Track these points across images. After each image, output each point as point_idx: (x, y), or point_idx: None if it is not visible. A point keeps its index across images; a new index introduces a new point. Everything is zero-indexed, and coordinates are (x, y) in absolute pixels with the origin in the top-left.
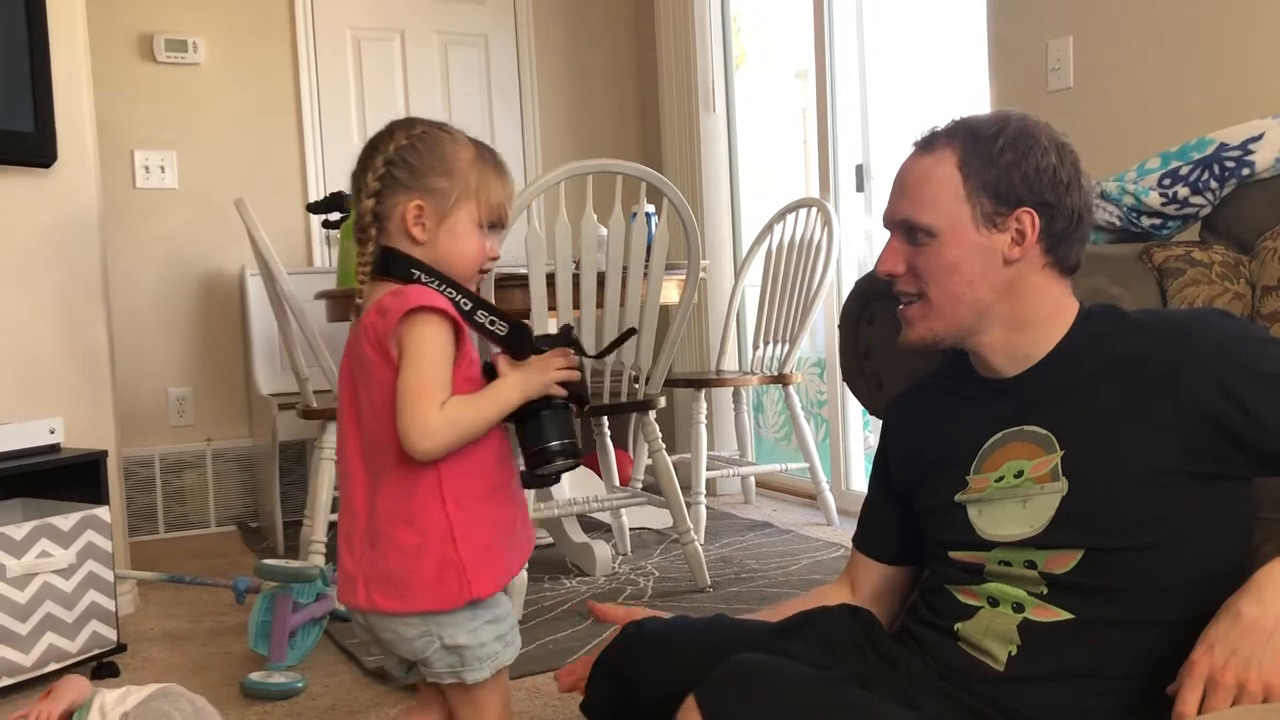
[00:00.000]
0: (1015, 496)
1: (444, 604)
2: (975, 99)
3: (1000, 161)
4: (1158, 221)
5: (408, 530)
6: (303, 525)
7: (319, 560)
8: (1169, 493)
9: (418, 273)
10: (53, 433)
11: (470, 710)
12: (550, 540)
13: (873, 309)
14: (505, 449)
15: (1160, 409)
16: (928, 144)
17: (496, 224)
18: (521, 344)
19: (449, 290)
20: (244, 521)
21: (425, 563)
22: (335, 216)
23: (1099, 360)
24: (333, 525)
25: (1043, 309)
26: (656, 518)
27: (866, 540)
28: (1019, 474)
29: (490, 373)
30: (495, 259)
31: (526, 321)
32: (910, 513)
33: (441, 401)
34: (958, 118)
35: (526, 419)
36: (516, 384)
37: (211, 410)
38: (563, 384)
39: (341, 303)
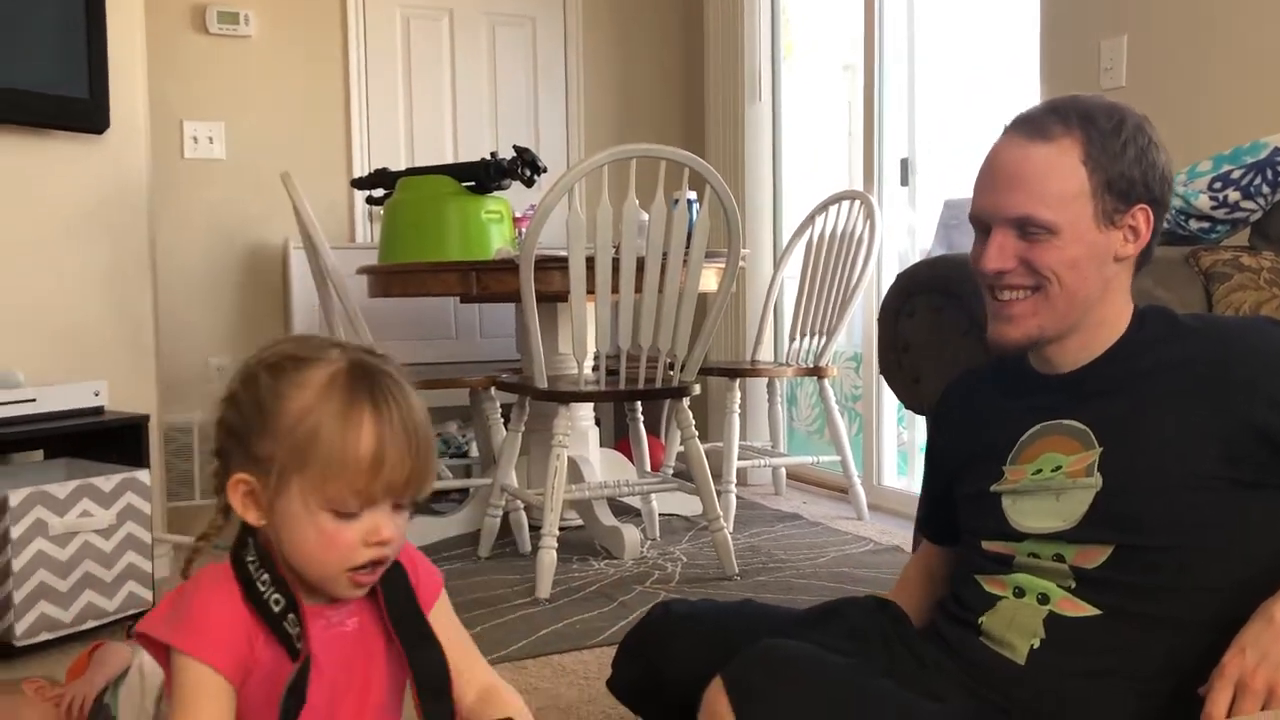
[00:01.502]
0: (1050, 489)
1: None
2: (1025, 96)
3: (1125, 157)
4: (1206, 225)
5: None
6: None
7: None
8: (1206, 497)
9: (250, 558)
10: (97, 395)
11: None
12: (580, 522)
13: (913, 303)
14: None
15: (1204, 414)
16: (1039, 131)
17: (354, 507)
18: (294, 692)
19: (263, 578)
20: None
21: None
22: (379, 193)
23: (1148, 362)
24: None
25: (1117, 307)
26: (686, 504)
27: (929, 526)
28: (1056, 468)
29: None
30: (384, 544)
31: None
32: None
33: None
34: (1060, 101)
35: None
36: None
37: None
38: None
39: (383, 278)
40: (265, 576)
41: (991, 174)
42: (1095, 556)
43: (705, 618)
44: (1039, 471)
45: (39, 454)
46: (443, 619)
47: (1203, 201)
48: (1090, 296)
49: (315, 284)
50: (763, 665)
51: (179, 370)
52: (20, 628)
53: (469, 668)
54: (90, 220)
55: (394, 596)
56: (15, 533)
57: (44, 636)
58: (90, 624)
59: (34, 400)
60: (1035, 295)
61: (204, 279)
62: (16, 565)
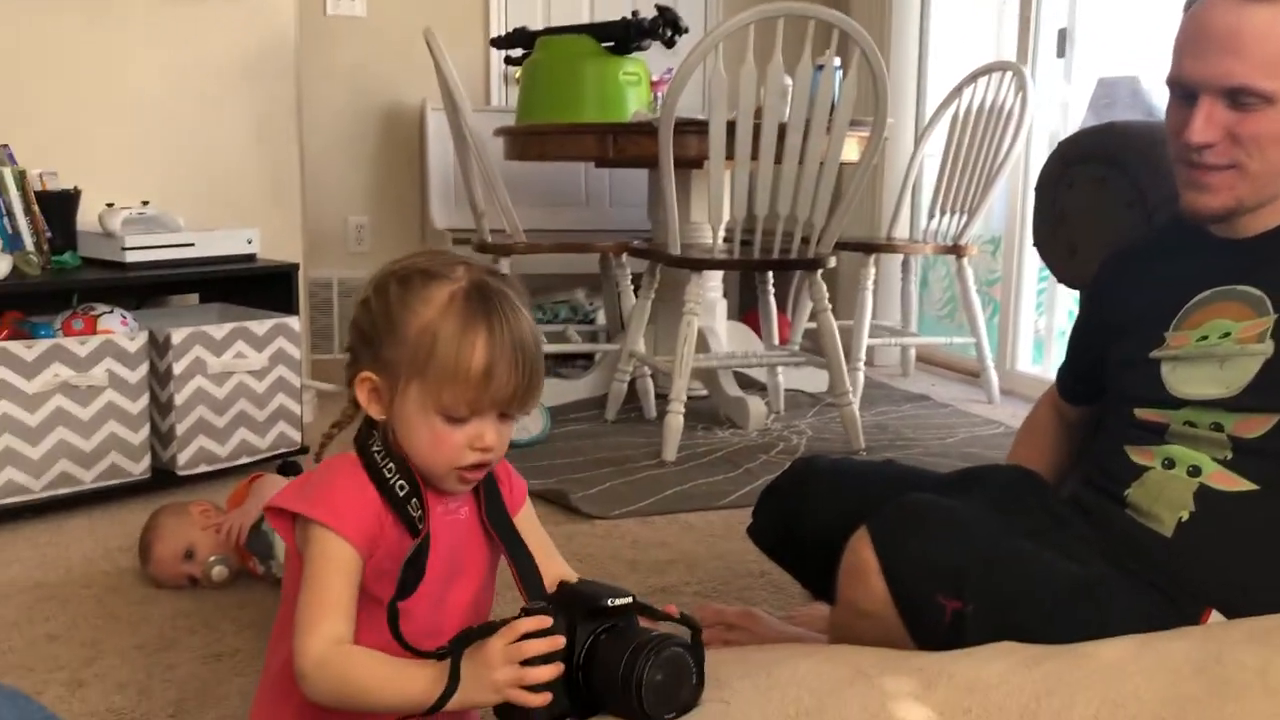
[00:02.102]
0: (1214, 356)
1: None
2: None
3: None
4: None
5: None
6: None
7: None
8: None
9: (377, 448)
10: (250, 243)
11: None
12: (704, 392)
13: (1072, 173)
14: None
15: None
16: None
17: (464, 414)
18: (413, 563)
19: (389, 465)
20: None
21: None
22: (518, 53)
23: None
24: None
25: None
26: (810, 381)
27: (1065, 387)
28: (1225, 334)
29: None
30: (487, 449)
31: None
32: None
33: (330, 634)
34: None
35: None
36: (425, 681)
37: (388, 240)
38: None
39: (519, 140)
40: (391, 465)
41: (1202, 36)
42: (1257, 426)
43: (848, 472)
44: (1205, 338)
45: (194, 297)
46: (529, 520)
47: None
48: None
49: (454, 144)
50: (909, 518)
51: (320, 227)
52: (182, 458)
53: (547, 560)
54: (242, 72)
55: (490, 504)
56: (177, 369)
57: (202, 468)
58: (244, 460)
59: (193, 245)
60: (1235, 170)
61: (343, 138)
62: (178, 400)
